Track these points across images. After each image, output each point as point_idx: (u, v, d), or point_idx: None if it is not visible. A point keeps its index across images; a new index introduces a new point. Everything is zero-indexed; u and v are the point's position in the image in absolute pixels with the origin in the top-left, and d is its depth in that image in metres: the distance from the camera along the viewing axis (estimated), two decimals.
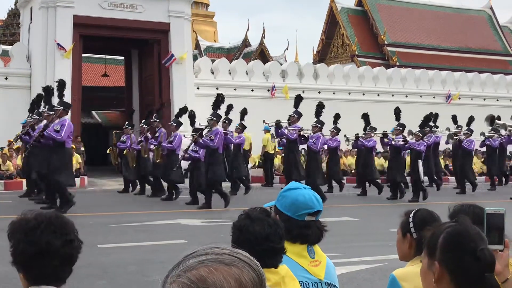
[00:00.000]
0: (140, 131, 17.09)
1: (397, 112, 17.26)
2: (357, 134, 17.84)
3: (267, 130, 19.43)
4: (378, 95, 28.46)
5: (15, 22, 32.92)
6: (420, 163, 15.97)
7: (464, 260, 1.82)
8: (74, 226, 2.14)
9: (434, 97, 29.92)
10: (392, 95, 28.73)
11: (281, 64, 28.75)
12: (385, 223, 11.31)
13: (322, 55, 41.84)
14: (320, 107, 15.73)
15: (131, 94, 26.00)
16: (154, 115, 17.39)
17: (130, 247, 8.67)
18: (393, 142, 16.41)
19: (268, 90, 25.95)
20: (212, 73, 25.81)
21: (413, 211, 2.85)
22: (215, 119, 13.95)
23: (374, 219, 12.48)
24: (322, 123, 15.36)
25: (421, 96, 29.53)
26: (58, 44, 21.46)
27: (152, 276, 6.71)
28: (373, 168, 17.94)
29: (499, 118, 20.32)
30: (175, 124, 15.33)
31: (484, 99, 31.30)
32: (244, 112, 17.78)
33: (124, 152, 16.66)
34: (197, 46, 36.65)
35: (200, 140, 13.41)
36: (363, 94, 27.86)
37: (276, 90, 25.91)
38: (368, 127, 17.84)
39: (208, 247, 1.15)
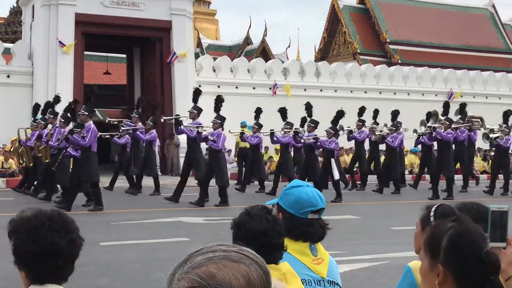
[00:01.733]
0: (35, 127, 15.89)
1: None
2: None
3: (244, 126, 19.28)
4: (380, 93, 28.44)
5: (17, 20, 32.93)
6: (333, 161, 15.25)
7: (469, 263, 1.81)
8: (75, 223, 2.13)
9: (436, 95, 29.88)
10: (394, 93, 28.71)
11: (283, 62, 28.73)
12: (388, 221, 11.33)
13: (324, 53, 41.81)
14: (218, 102, 14.56)
15: (133, 92, 26.02)
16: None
17: (132, 244, 8.68)
18: (302, 140, 15.87)
19: (270, 88, 25.94)
20: (214, 71, 25.81)
21: (435, 206, 2.86)
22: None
23: (377, 217, 12.48)
24: (223, 119, 14.05)
25: (423, 94, 29.50)
26: (60, 42, 21.47)
27: (154, 274, 6.72)
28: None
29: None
30: (63, 120, 13.97)
31: (486, 97, 31.27)
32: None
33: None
34: (199, 44, 36.64)
35: (71, 137, 12.46)
36: (365, 92, 27.84)
37: (278, 88, 25.90)
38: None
39: (214, 245, 1.15)
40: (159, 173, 17.64)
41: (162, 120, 15.83)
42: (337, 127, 16.47)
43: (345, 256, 7.56)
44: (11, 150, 18.64)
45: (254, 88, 25.69)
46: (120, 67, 30.80)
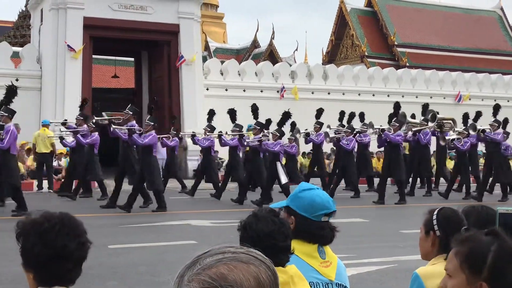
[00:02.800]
0: None
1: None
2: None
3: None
4: (388, 96, 28.38)
5: (26, 24, 33.10)
6: (278, 165, 14.28)
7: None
8: (83, 226, 2.14)
9: (444, 98, 29.82)
10: (402, 96, 28.64)
11: (290, 65, 28.74)
12: (396, 224, 11.30)
13: (332, 56, 41.81)
14: (150, 108, 14.86)
15: (141, 95, 26.09)
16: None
17: (140, 247, 8.69)
18: (245, 143, 15.35)
19: (278, 91, 25.95)
20: (222, 74, 25.85)
21: (437, 209, 2.85)
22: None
23: (385, 220, 12.44)
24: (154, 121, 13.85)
25: (431, 97, 29.42)
26: (68, 46, 21.56)
27: (162, 277, 6.72)
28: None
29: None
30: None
31: (495, 100, 31.08)
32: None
33: None
34: (206, 47, 36.71)
35: None
36: (373, 95, 27.80)
37: (286, 91, 25.90)
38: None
39: (223, 246, 1.15)
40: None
41: (94, 121, 15.10)
42: (294, 130, 16.36)
43: (353, 259, 7.53)
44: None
45: (261, 91, 25.71)
46: (128, 70, 30.90)
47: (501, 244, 1.82)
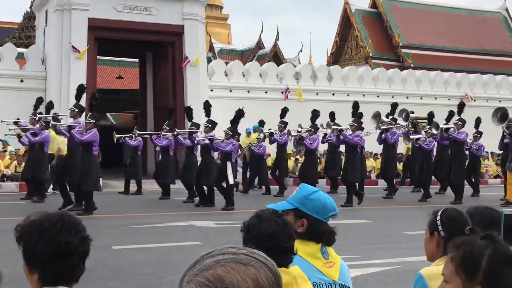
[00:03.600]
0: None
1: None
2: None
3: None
4: (393, 97, 28.30)
5: (31, 25, 33.18)
6: (228, 165, 13.73)
7: (509, 284, 1.79)
8: (82, 223, 2.17)
9: (449, 99, 29.74)
10: (407, 97, 28.61)
11: (295, 66, 28.72)
12: (400, 226, 11.28)
13: (336, 57, 41.78)
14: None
15: (146, 96, 26.12)
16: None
17: (144, 248, 8.70)
18: (195, 141, 15.11)
19: (282, 92, 25.94)
20: (226, 75, 25.86)
21: (441, 210, 2.85)
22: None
23: (389, 221, 12.42)
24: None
25: (436, 98, 29.37)
26: (73, 47, 21.60)
27: (166, 278, 6.72)
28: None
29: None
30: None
31: (500, 101, 31.03)
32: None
33: None
34: (211, 48, 36.74)
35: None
36: (378, 96, 27.76)
37: (290, 92, 25.90)
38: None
39: (225, 247, 1.15)
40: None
41: (36, 119, 14.91)
42: (258, 129, 15.99)
43: (357, 260, 7.53)
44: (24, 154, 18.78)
45: (266, 92, 25.70)
46: (133, 71, 30.93)
47: (496, 247, 1.82)
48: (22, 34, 35.29)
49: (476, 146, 18.65)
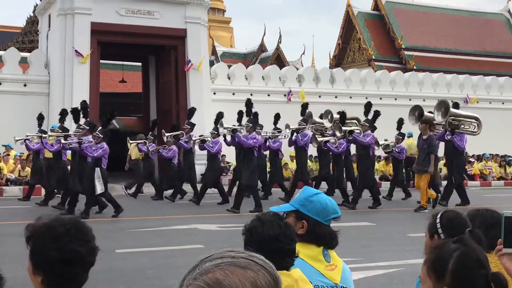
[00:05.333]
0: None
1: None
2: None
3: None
4: (396, 99, 28.34)
5: (34, 29, 33.29)
6: (97, 171, 12.85)
7: (477, 285, 1.82)
8: (92, 232, 2.16)
9: (452, 101, 29.72)
10: (410, 99, 28.58)
11: (297, 69, 28.74)
12: (403, 228, 11.27)
13: (339, 60, 41.78)
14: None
15: (148, 100, 26.15)
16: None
17: (147, 252, 8.71)
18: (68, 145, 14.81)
19: (285, 95, 25.96)
20: (229, 78, 25.89)
21: (440, 213, 2.86)
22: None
23: (392, 224, 12.41)
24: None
25: (438, 100, 29.32)
26: (76, 51, 21.65)
27: (169, 281, 6.73)
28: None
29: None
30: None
31: (503, 103, 31.06)
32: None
33: None
34: (213, 51, 36.77)
35: None
36: (380, 99, 27.74)
37: (293, 95, 25.91)
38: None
39: (224, 251, 1.16)
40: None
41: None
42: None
43: (360, 263, 7.53)
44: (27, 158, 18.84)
45: (269, 95, 25.72)
46: (136, 75, 30.98)
47: (464, 250, 1.87)
48: (25, 38, 35.38)
49: (398, 149, 17.84)
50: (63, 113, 15.29)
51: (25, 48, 31.49)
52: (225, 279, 1.09)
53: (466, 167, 24.86)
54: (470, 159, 25.79)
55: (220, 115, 16.10)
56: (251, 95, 25.13)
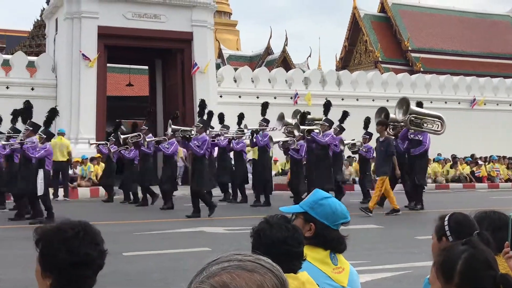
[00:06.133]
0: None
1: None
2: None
3: None
4: None
5: (41, 33, 33.45)
6: (40, 173, 12.46)
7: (485, 287, 1.83)
8: (101, 235, 2.17)
9: (459, 103, 29.65)
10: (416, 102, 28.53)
11: (303, 72, 28.74)
12: (411, 230, 11.23)
13: (345, 62, 41.76)
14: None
15: (155, 103, 26.21)
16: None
17: (154, 255, 8.71)
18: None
19: (291, 98, 25.96)
20: (235, 81, 25.91)
21: (448, 215, 2.85)
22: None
23: (400, 226, 12.37)
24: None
25: (446, 102, 29.27)
26: (83, 55, 21.73)
27: (175, 284, 6.73)
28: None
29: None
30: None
31: (510, 105, 30.95)
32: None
33: None
34: (220, 54, 36.83)
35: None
36: (387, 101, 27.64)
37: (299, 98, 25.90)
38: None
39: (230, 254, 1.16)
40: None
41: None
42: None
43: (367, 265, 7.50)
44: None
45: (275, 97, 25.72)
46: (142, 78, 31.07)
47: (473, 252, 1.88)
48: (33, 42, 35.56)
49: (365, 149, 17.33)
50: (15, 114, 14.81)
51: (32, 52, 31.63)
52: (231, 282, 1.09)
53: (474, 168, 24.83)
54: (478, 161, 25.72)
55: (175, 115, 15.99)
56: (258, 97, 25.16)
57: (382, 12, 41.29)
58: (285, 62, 35.89)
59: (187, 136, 13.91)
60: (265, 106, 16.13)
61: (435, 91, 29.46)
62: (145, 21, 22.73)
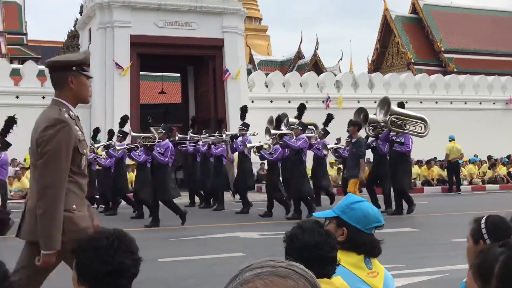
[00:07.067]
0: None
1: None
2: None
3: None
4: (436, 102, 27.96)
5: (75, 44, 34.02)
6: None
7: None
8: (135, 243, 2.19)
9: (494, 103, 29.17)
10: (451, 103, 28.19)
11: (335, 75, 28.63)
12: (447, 233, 11.09)
13: (377, 64, 41.46)
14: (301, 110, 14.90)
15: (188, 110, 26.41)
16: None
17: (189, 260, 8.77)
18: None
19: (323, 101, 25.88)
20: (266, 86, 25.94)
21: (484, 217, 2.82)
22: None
23: (435, 229, 12.22)
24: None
25: (480, 103, 28.84)
26: (116, 64, 22.03)
27: None
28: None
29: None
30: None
31: None
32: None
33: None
34: (251, 60, 36.93)
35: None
36: (421, 102, 27.41)
37: (331, 101, 25.81)
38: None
39: (263, 260, 1.17)
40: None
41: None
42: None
43: (403, 269, 7.44)
44: None
45: (307, 102, 25.58)
46: (175, 86, 31.33)
47: (510, 254, 1.85)
48: (67, 52, 36.13)
49: (319, 146, 16.19)
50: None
51: None
52: None
53: (511, 169, 24.39)
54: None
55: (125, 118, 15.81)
56: (289, 102, 25.16)
57: (413, 13, 40.92)
58: (316, 66, 35.82)
59: (147, 144, 13.38)
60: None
61: (470, 92, 29.05)
62: (176, 29, 22.95)
